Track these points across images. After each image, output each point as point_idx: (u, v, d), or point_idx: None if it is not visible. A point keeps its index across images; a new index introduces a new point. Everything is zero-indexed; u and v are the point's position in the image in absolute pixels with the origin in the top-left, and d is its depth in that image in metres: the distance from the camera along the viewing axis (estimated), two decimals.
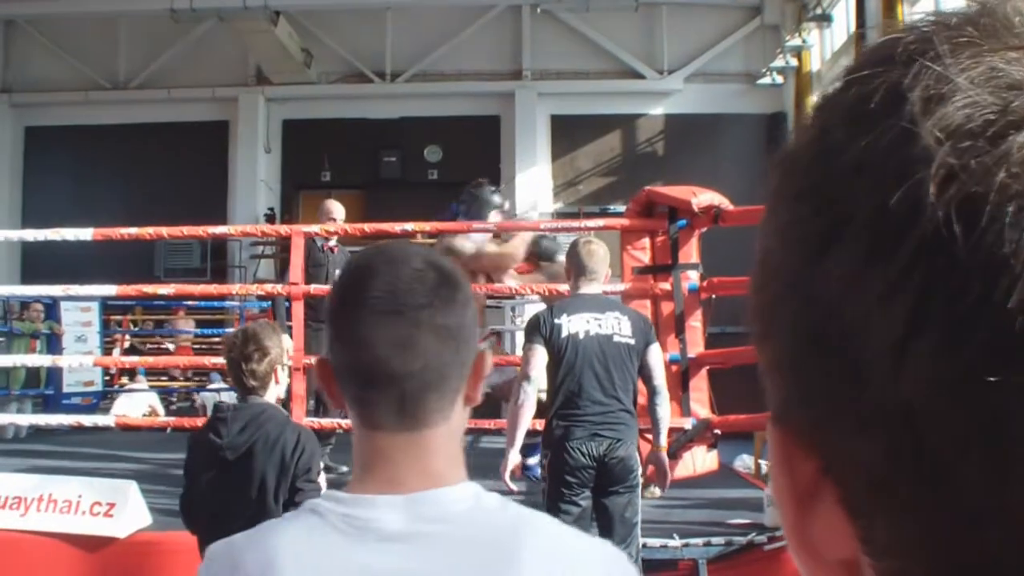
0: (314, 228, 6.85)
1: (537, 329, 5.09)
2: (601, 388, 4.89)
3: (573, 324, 4.94)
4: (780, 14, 18.84)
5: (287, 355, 4.32)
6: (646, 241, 6.75)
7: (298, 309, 6.53)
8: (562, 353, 4.99)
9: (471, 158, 18.68)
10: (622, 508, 4.87)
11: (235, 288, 6.84)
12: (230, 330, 16.29)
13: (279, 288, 7.25)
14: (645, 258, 6.76)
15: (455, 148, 19.37)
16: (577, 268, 5.19)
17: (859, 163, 0.45)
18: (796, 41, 17.35)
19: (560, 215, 19.01)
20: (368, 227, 7.38)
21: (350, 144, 19.44)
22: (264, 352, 4.00)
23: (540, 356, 4.98)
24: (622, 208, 18.28)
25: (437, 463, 1.36)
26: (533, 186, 19.18)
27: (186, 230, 7.44)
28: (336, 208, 8.49)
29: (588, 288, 5.14)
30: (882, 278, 0.43)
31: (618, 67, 19.61)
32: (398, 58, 19.69)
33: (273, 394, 4.14)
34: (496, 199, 7.66)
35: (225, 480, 3.94)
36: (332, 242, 8.65)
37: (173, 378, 17.03)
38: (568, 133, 19.54)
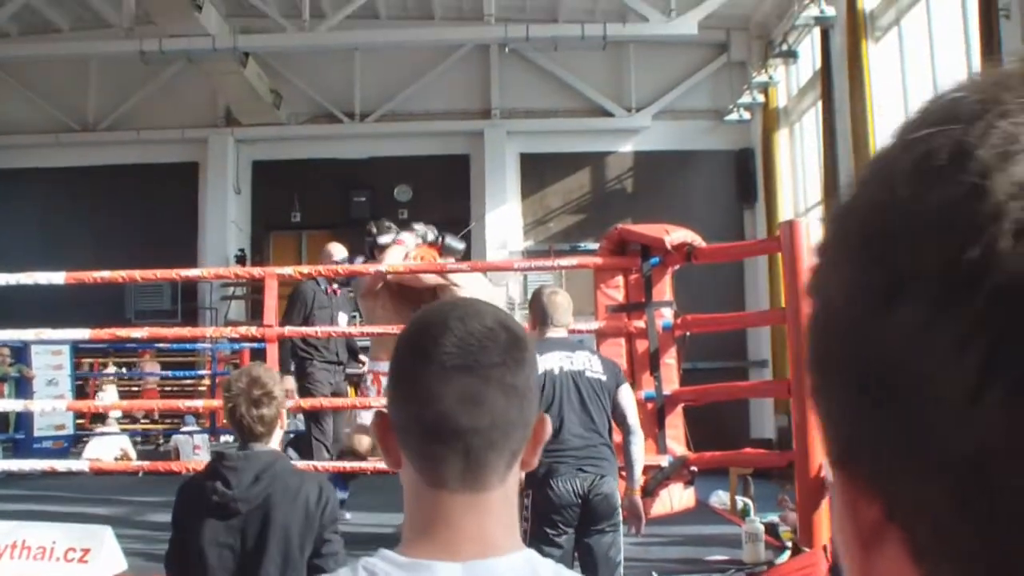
0: (287, 270, 6.84)
1: None
2: (581, 422, 4.87)
3: (546, 361, 4.92)
4: (746, 51, 19.07)
5: (288, 396, 4.21)
6: (619, 279, 6.76)
7: (272, 352, 6.51)
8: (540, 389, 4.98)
9: (441, 197, 18.81)
10: (607, 548, 4.84)
11: (209, 331, 6.81)
12: (201, 372, 16.28)
13: (253, 330, 7.21)
14: (619, 296, 6.78)
15: (425, 187, 19.45)
16: (541, 317, 5.19)
17: (928, 218, 0.47)
18: (763, 77, 17.55)
19: (530, 253, 19.08)
20: (342, 269, 7.37)
21: (320, 184, 19.48)
22: (271, 396, 3.80)
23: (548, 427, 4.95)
24: (593, 245, 18.32)
25: (495, 529, 1.34)
26: (503, 224, 19.24)
27: (159, 273, 7.41)
28: (338, 251, 8.54)
29: (553, 335, 5.16)
30: (954, 329, 0.44)
31: (587, 105, 19.76)
32: (367, 98, 19.78)
33: (277, 440, 3.96)
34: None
35: (237, 533, 3.71)
36: (335, 285, 8.71)
37: (145, 421, 16.92)
38: (538, 171, 19.65)
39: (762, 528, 5.88)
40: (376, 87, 19.65)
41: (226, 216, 19.62)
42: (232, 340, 12.59)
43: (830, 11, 14.69)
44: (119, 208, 19.20)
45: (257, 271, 7.00)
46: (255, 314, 19.27)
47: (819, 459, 5.24)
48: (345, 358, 9.01)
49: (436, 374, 1.31)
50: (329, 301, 8.81)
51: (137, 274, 6.66)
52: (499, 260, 16.71)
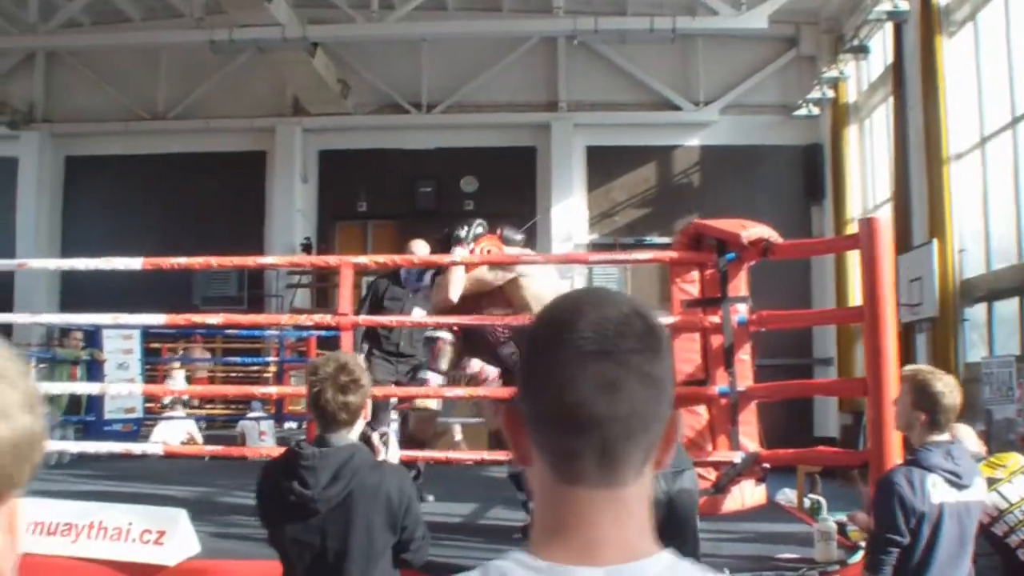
0: (361, 259, 6.87)
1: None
2: None
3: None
4: (816, 46, 18.89)
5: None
6: (695, 274, 6.74)
7: (347, 340, 6.53)
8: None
9: (506, 189, 18.83)
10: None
11: (284, 318, 6.86)
12: (267, 359, 16.43)
13: (327, 318, 7.25)
14: (694, 291, 6.75)
15: (490, 179, 19.51)
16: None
17: None
18: (833, 72, 17.37)
19: (595, 246, 19.06)
20: (417, 259, 7.39)
21: (386, 174, 19.62)
22: (358, 384, 3.73)
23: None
24: (659, 239, 18.36)
25: (634, 529, 1.27)
26: (569, 217, 19.23)
27: (235, 260, 7.48)
28: (420, 248, 8.47)
29: None
30: None
31: (654, 98, 19.71)
32: (433, 89, 19.87)
33: (358, 431, 3.85)
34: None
35: (317, 533, 3.66)
36: (420, 279, 8.62)
37: (210, 406, 17.10)
38: (604, 164, 19.62)
39: (835, 527, 5.82)
40: (443, 78, 19.74)
41: (292, 205, 19.81)
42: (302, 328, 12.63)
43: (904, 5, 14.49)
44: (187, 196, 19.47)
45: (333, 259, 7.02)
46: (320, 302, 19.50)
47: (894, 458, 5.17)
48: (413, 351, 8.92)
49: (572, 360, 1.26)
50: (404, 293, 8.77)
51: (213, 260, 6.73)
52: (571, 252, 16.62)
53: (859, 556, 5.88)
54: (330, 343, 13.86)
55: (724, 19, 16.09)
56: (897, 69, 15.01)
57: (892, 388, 5.14)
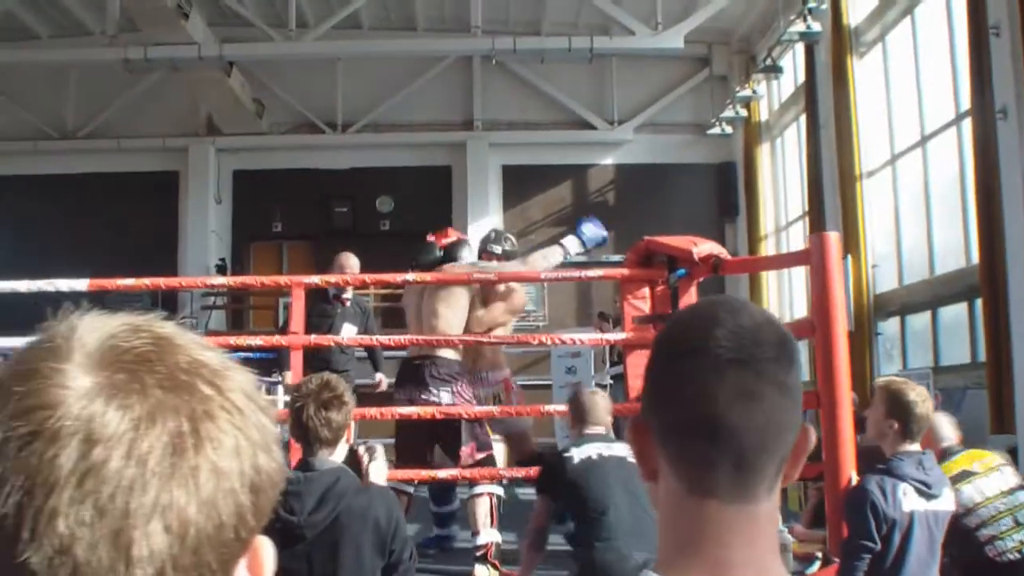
0: (313, 279, 6.83)
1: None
2: (629, 504, 5.06)
3: (584, 451, 5.18)
4: (728, 65, 19.23)
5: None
6: (646, 290, 6.82)
7: (297, 360, 6.48)
8: (583, 479, 5.13)
9: (423, 208, 18.77)
10: None
11: (231, 339, 6.77)
12: None
13: (277, 339, 7.20)
14: (645, 307, 6.83)
15: (407, 198, 19.44)
16: (580, 415, 5.45)
17: None
18: (745, 92, 17.66)
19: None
20: (369, 278, 7.38)
21: (301, 194, 19.43)
22: (342, 401, 3.71)
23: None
24: (576, 259, 18.48)
25: (766, 550, 1.25)
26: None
27: (184, 281, 7.39)
28: (351, 262, 8.40)
29: (591, 432, 5.41)
30: None
31: (569, 118, 19.85)
32: (349, 109, 19.76)
33: (341, 453, 3.81)
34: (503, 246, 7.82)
35: (303, 560, 3.60)
36: (347, 294, 8.57)
37: None
38: (520, 183, 19.69)
39: (791, 539, 5.92)
40: (358, 98, 19.63)
41: (207, 226, 19.54)
42: (259, 348, 12.45)
43: (816, 27, 14.76)
44: (98, 217, 19.02)
45: (284, 279, 6.96)
46: (235, 324, 19.25)
47: (849, 469, 5.28)
48: (347, 368, 8.82)
49: (708, 368, 1.24)
50: (333, 310, 8.72)
51: (161, 281, 6.65)
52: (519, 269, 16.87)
53: (815, 567, 5.99)
54: (252, 365, 13.75)
55: (641, 39, 16.25)
56: (809, 88, 15.32)
57: (845, 400, 5.25)
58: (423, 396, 6.95)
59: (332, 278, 7.07)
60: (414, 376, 7.07)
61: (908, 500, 4.27)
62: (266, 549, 0.83)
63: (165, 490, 0.73)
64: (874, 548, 4.27)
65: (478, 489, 6.95)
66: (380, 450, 4.13)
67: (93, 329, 0.78)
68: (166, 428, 0.74)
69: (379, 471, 4.05)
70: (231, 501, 0.77)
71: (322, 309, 8.54)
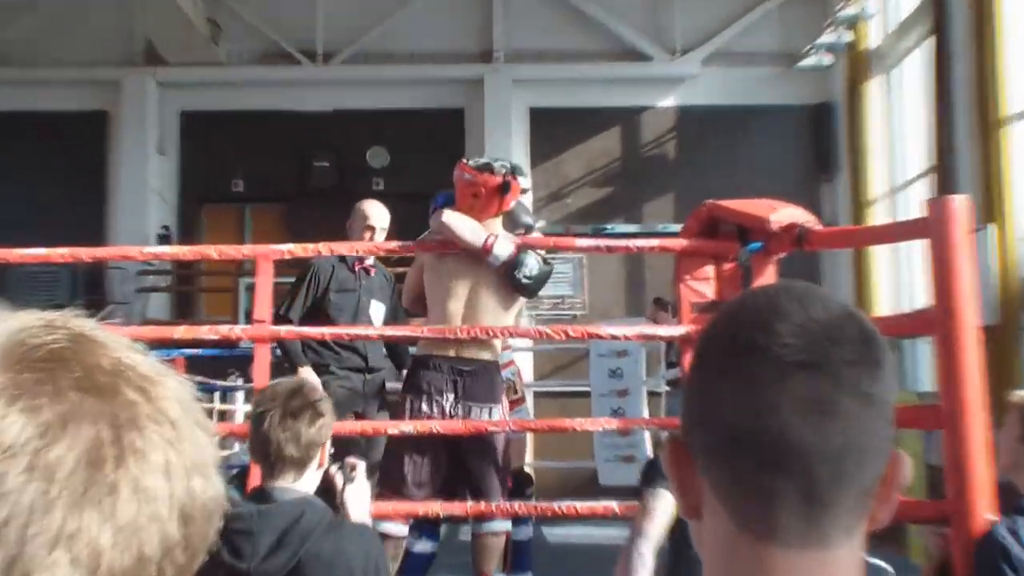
0: (287, 246, 6.69)
1: (658, 467, 4.75)
2: None
3: None
4: None
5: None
6: (709, 270, 6.73)
7: (263, 355, 6.37)
8: None
9: (426, 163, 18.60)
10: None
11: (179, 331, 6.57)
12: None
13: (236, 331, 7.09)
14: (709, 291, 6.74)
15: (406, 151, 19.43)
16: None
17: None
18: (851, 9, 17.44)
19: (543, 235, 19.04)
20: (398, 246, 7.26)
21: (270, 145, 19.44)
22: (316, 412, 3.67)
23: (667, 508, 4.77)
24: (623, 227, 18.41)
25: None
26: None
27: (111, 250, 7.31)
28: (374, 211, 8.12)
29: None
30: None
31: (616, 46, 19.77)
32: (332, 35, 19.77)
33: (311, 480, 3.76)
34: (526, 219, 7.58)
35: None
36: (369, 260, 8.28)
37: None
38: (552, 131, 19.61)
39: None
40: (344, 20, 19.64)
41: (145, 183, 19.49)
42: (214, 344, 12.37)
43: None
44: (1, 170, 19.08)
45: (246, 249, 6.87)
46: (183, 311, 19.27)
47: (983, 511, 5.13)
48: (382, 364, 8.54)
49: (769, 374, 1.23)
50: (357, 283, 8.35)
51: (82, 252, 6.57)
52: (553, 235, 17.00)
53: None
54: (202, 366, 13.72)
55: None
56: (938, 3, 15.08)
57: (977, 418, 5.11)
58: (462, 411, 6.83)
59: (313, 247, 6.87)
60: (453, 382, 6.94)
61: None
62: None
63: (74, 512, 0.74)
64: None
65: (496, 526, 6.91)
66: (361, 469, 4.10)
67: None
68: (80, 436, 0.77)
69: (358, 498, 4.02)
70: (156, 530, 0.79)
71: (343, 280, 8.26)
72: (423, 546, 7.32)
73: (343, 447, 5.81)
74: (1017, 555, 4.16)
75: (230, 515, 3.49)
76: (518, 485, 7.76)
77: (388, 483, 6.89)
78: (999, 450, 4.54)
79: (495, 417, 6.86)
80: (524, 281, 6.81)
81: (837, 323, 1.25)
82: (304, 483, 3.71)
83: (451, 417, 6.72)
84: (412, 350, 7.61)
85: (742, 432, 1.23)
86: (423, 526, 7.37)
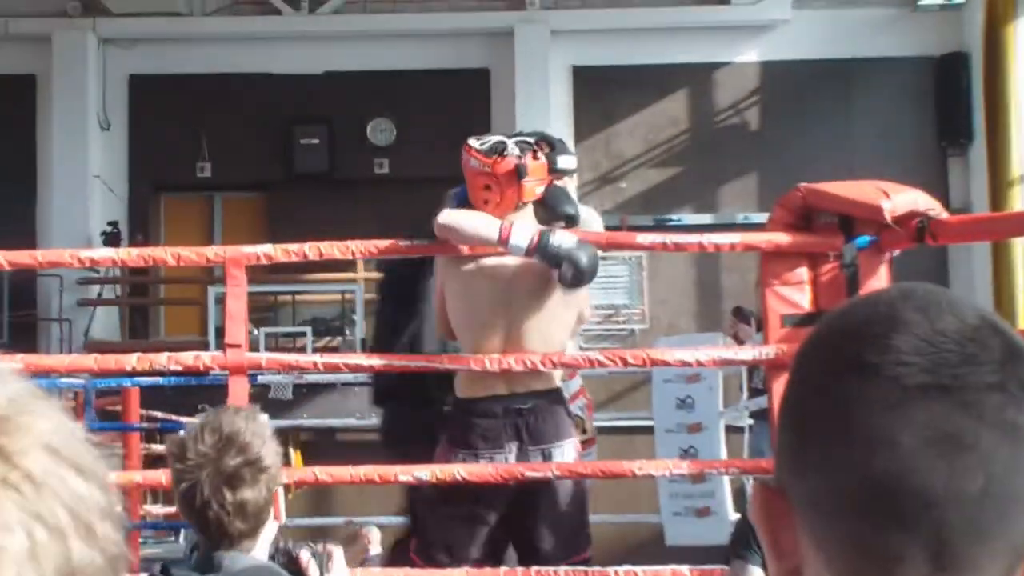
0: (263, 249, 6.72)
1: (749, 536, 4.98)
2: None
3: None
4: None
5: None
6: (804, 272, 6.73)
7: (239, 388, 6.38)
8: None
9: (443, 138, 18.66)
10: None
11: (132, 360, 6.50)
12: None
13: (205, 359, 7.15)
14: (803, 300, 6.75)
15: (417, 123, 19.53)
16: None
17: None
18: None
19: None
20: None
21: (244, 117, 19.53)
22: (259, 466, 3.62)
23: None
24: (693, 218, 18.44)
25: None
26: None
27: (69, 254, 7.37)
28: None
29: None
30: None
31: None
32: None
33: (265, 543, 3.78)
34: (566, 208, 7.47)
35: None
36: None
37: None
38: (600, 95, 19.64)
39: None
40: None
41: (86, 167, 19.62)
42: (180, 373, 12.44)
43: None
44: None
45: (212, 251, 6.89)
46: (135, 331, 19.36)
47: None
48: None
49: (885, 401, 1.18)
50: (429, 289, 8.19)
51: (3, 257, 6.65)
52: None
53: None
54: (175, 397, 13.77)
55: None
56: None
57: None
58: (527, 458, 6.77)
59: (307, 246, 6.89)
60: (514, 427, 6.85)
61: None
62: None
63: None
64: None
65: None
66: (339, 558, 4.10)
67: None
68: None
69: None
70: None
71: (418, 290, 8.11)
72: None
73: None
74: None
75: None
76: None
77: (422, 550, 6.89)
78: None
79: (567, 457, 6.81)
80: (569, 275, 6.64)
81: (975, 337, 1.21)
82: (258, 548, 3.71)
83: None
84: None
85: (852, 476, 1.19)
86: None
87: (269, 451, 3.67)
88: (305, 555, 3.97)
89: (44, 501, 0.77)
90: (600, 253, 7.12)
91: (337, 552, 4.10)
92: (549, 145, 6.87)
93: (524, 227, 6.42)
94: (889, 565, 1.17)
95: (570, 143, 18.79)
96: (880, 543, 1.17)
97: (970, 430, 1.16)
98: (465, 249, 6.62)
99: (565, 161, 6.96)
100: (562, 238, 6.43)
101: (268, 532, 3.74)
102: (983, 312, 1.24)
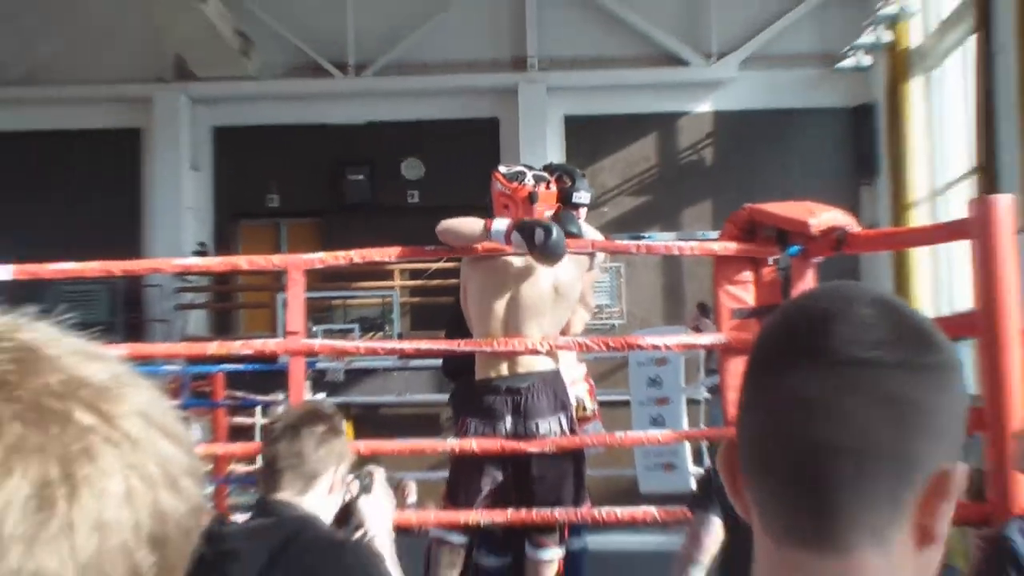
0: (316, 256, 6.72)
1: (709, 490, 4.86)
2: None
3: None
4: None
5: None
6: (748, 275, 6.73)
7: (298, 369, 6.33)
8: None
9: (461, 173, 18.71)
10: None
11: (212, 347, 6.62)
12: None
13: (270, 344, 7.12)
14: (747, 296, 6.74)
15: (441, 161, 19.54)
16: None
17: None
18: (891, 8, 17.41)
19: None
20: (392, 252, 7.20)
21: (304, 159, 19.61)
22: (332, 431, 3.50)
23: (716, 534, 4.79)
24: (662, 235, 18.41)
25: None
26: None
27: (146, 263, 7.35)
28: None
29: None
30: None
31: (652, 51, 19.81)
32: (364, 45, 19.84)
33: (322, 505, 3.54)
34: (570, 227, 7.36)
35: None
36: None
37: None
38: (588, 139, 19.66)
39: None
40: (376, 30, 19.74)
41: (180, 201, 19.67)
42: (247, 359, 12.43)
43: None
44: (33, 189, 19.25)
45: (278, 259, 6.87)
46: (221, 327, 19.37)
47: None
48: None
49: (795, 373, 1.19)
50: None
51: (113, 266, 6.60)
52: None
53: None
54: (254, 381, 13.76)
55: None
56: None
57: (1019, 419, 5.14)
58: (524, 429, 6.73)
59: (345, 253, 6.85)
60: (512, 403, 6.81)
61: None
62: None
63: (30, 556, 0.70)
64: None
65: (552, 554, 6.83)
66: (380, 477, 3.91)
67: None
68: (27, 476, 0.72)
69: (376, 508, 3.80)
70: (123, 562, 0.75)
71: None
72: (492, 561, 7.28)
73: None
74: (1022, 554, 4.22)
75: (219, 534, 3.28)
76: None
77: (451, 497, 6.89)
78: (1016, 451, 4.58)
79: (563, 427, 6.74)
80: (539, 242, 6.53)
81: (878, 320, 1.20)
82: (309, 501, 3.50)
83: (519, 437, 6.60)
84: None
85: (763, 435, 1.21)
86: (488, 543, 7.32)
87: (338, 421, 3.58)
88: (351, 477, 3.78)
89: (138, 456, 0.77)
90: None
91: (378, 472, 3.87)
92: (571, 179, 6.88)
93: (503, 219, 6.39)
94: (786, 505, 1.19)
95: None
96: (774, 486, 1.20)
97: (848, 397, 1.16)
98: (479, 249, 6.57)
99: (579, 196, 6.98)
100: (536, 223, 6.39)
101: (323, 497, 3.53)
102: (899, 303, 1.26)
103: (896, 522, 1.17)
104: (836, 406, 1.16)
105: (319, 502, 3.51)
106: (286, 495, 3.46)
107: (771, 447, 1.20)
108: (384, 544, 3.70)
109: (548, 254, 6.25)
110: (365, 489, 3.79)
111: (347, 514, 3.72)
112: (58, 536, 0.71)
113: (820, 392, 1.17)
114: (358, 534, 3.70)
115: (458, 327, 7.17)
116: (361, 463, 3.83)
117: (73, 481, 0.73)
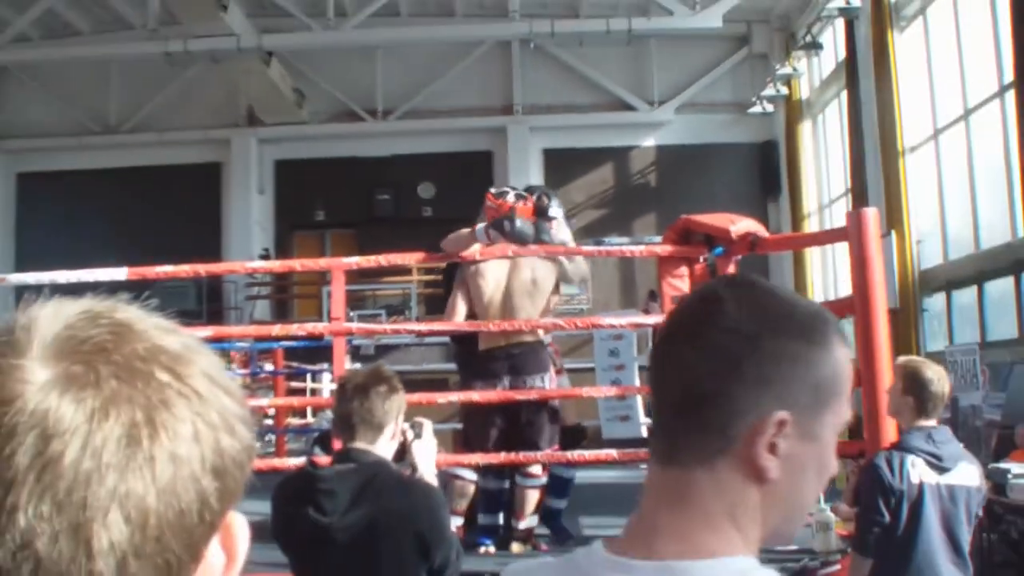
0: (353, 260, 6.76)
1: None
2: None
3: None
4: (768, 43, 19.07)
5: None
6: (684, 269, 6.77)
7: (340, 346, 6.38)
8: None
9: (464, 193, 18.66)
10: None
11: (275, 329, 6.71)
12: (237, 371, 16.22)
13: (320, 327, 7.17)
14: (684, 286, 6.79)
15: (448, 184, 19.46)
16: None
17: None
18: (786, 69, 17.53)
19: None
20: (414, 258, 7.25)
21: (343, 183, 19.53)
22: (391, 389, 3.42)
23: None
24: (618, 240, 18.45)
25: (695, 519, 1.17)
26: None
27: (224, 266, 7.39)
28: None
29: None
30: None
31: (609, 99, 19.82)
32: (389, 96, 19.83)
33: (386, 448, 3.46)
34: (542, 235, 7.37)
35: (341, 568, 3.27)
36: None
37: None
38: (561, 166, 19.66)
39: (832, 517, 5.85)
40: (398, 85, 19.72)
41: (250, 216, 19.69)
42: (303, 338, 12.46)
43: (855, 1, 14.68)
44: (142, 210, 19.18)
45: (323, 262, 6.93)
46: (280, 313, 19.35)
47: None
48: None
49: (670, 339, 1.23)
50: None
51: (201, 268, 6.65)
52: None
53: None
54: (306, 354, 13.76)
55: (679, 19, 16.20)
56: (850, 64, 15.17)
57: (886, 378, 5.21)
58: (516, 384, 6.74)
59: (375, 259, 6.90)
60: (508, 365, 6.83)
61: (916, 472, 4.26)
62: (239, 526, 0.81)
63: (122, 481, 0.72)
64: (882, 521, 4.26)
65: (536, 481, 6.84)
66: (428, 427, 3.83)
67: (51, 320, 0.77)
68: (120, 420, 0.73)
69: (425, 452, 3.77)
70: (192, 487, 0.76)
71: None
72: (494, 484, 7.26)
73: None
74: (888, 480, 4.26)
75: (314, 476, 3.30)
76: (576, 438, 7.70)
77: (465, 443, 6.93)
78: (888, 399, 4.65)
79: (545, 383, 6.78)
80: (507, 230, 6.54)
81: (735, 299, 1.20)
82: (379, 447, 3.43)
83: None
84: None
85: (650, 382, 1.23)
86: (491, 471, 7.32)
87: (396, 380, 3.49)
88: (405, 425, 3.76)
89: (203, 406, 0.77)
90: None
91: (427, 423, 3.79)
92: (546, 197, 6.88)
93: (482, 223, 6.42)
94: (653, 439, 1.23)
95: None
96: (653, 424, 1.25)
97: (678, 350, 1.20)
98: (477, 255, 6.60)
99: (552, 210, 6.96)
100: (504, 217, 6.43)
101: (388, 442, 3.46)
102: (765, 288, 1.24)
103: (724, 451, 1.16)
104: (680, 358, 1.19)
105: (386, 447, 3.47)
106: (361, 444, 3.41)
107: (652, 391, 1.22)
108: (430, 477, 3.68)
109: (516, 237, 6.32)
110: (417, 435, 3.76)
111: (402, 454, 3.68)
112: (143, 466, 0.73)
113: (678, 351, 1.20)
114: (411, 471, 3.67)
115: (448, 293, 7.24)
116: (411, 414, 3.79)
117: (154, 424, 0.74)
